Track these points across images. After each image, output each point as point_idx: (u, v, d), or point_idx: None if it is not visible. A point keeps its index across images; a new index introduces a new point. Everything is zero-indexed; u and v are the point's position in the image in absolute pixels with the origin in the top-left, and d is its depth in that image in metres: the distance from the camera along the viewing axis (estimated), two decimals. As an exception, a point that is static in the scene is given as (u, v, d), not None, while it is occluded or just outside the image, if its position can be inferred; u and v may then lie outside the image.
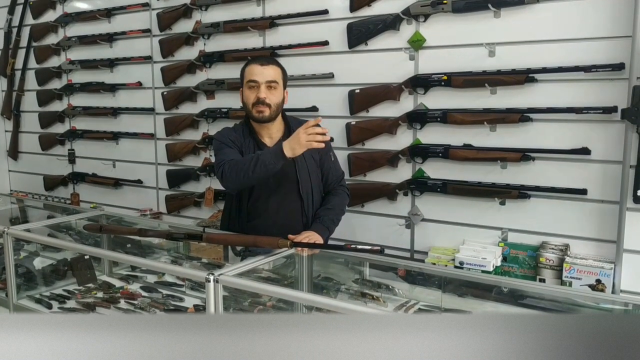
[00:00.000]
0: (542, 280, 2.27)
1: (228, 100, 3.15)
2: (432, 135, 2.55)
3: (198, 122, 3.26)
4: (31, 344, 0.30)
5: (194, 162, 3.33)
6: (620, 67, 2.09)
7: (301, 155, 2.03)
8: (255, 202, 2.19)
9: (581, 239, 2.28)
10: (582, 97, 2.20)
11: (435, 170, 2.56)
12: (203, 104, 3.24)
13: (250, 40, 3.02)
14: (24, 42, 4.07)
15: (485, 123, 2.39)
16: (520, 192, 2.34)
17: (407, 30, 2.56)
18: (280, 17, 2.88)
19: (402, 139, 2.62)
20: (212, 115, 3.18)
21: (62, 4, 3.82)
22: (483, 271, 2.29)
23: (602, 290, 2.13)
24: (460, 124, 2.45)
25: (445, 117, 2.47)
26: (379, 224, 2.73)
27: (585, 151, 2.20)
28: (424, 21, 2.51)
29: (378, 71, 2.64)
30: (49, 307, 2.33)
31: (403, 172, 2.64)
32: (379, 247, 1.93)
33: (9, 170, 4.39)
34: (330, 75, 2.77)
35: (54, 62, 3.93)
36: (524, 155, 2.31)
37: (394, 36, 2.59)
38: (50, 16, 3.90)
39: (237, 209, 2.23)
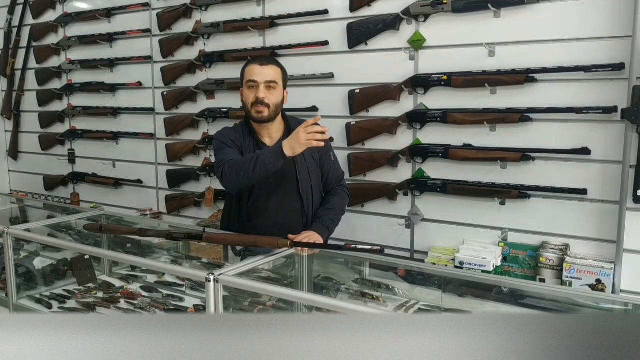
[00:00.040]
0: (542, 280, 2.27)
1: (228, 100, 3.15)
2: (432, 135, 2.55)
3: (198, 122, 3.26)
4: (31, 344, 0.30)
5: (194, 162, 3.33)
6: (620, 67, 2.09)
7: (301, 155, 2.03)
8: (255, 202, 2.19)
9: (581, 239, 2.28)
10: (582, 97, 2.20)
11: (435, 170, 2.56)
12: (203, 104, 3.24)
13: (250, 40, 3.02)
14: (24, 42, 4.07)
15: (485, 123, 2.39)
16: (520, 192, 2.34)
17: (407, 30, 2.56)
18: (280, 17, 2.88)
19: (402, 139, 2.62)
20: (212, 115, 3.18)
21: (62, 4, 3.82)
22: (483, 271, 2.29)
23: (602, 290, 2.13)
24: (460, 124, 2.45)
25: (445, 117, 2.47)
26: (379, 224, 2.73)
27: (585, 151, 2.20)
28: (424, 21, 2.51)
29: (378, 71, 2.64)
30: (49, 307, 2.33)
31: (403, 172, 2.64)
32: (379, 247, 1.93)
33: (9, 170, 4.39)
34: (330, 75, 2.77)
35: (54, 62, 3.93)
36: (524, 155, 2.32)
37: (394, 36, 2.59)
38: (50, 16, 3.91)
39: (237, 209, 2.23)
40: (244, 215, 2.21)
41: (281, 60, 2.42)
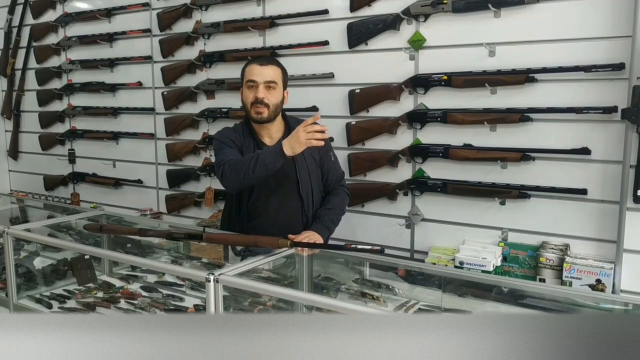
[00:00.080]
0: (542, 280, 2.27)
1: (228, 100, 3.15)
2: (432, 135, 2.55)
3: (198, 122, 3.26)
4: (31, 344, 0.30)
5: (194, 162, 3.33)
6: (620, 67, 2.09)
7: (301, 154, 2.03)
8: (255, 202, 2.19)
9: (581, 239, 2.28)
10: (582, 97, 2.20)
11: (436, 170, 2.56)
12: (203, 103, 3.24)
13: (251, 40, 3.02)
14: (24, 42, 4.07)
15: (485, 123, 2.39)
16: (521, 192, 2.34)
17: (407, 30, 2.56)
18: (280, 17, 2.88)
19: (402, 139, 2.62)
20: (212, 115, 3.18)
21: (62, 3, 3.82)
22: (483, 271, 2.29)
23: (602, 290, 2.13)
24: (460, 123, 2.45)
25: (446, 117, 2.47)
26: (379, 224, 2.73)
27: (585, 151, 2.20)
28: (424, 21, 2.51)
29: (378, 71, 2.64)
30: (49, 307, 2.33)
31: (403, 172, 2.64)
32: (379, 247, 1.93)
33: (9, 170, 4.39)
34: (331, 75, 2.77)
35: (54, 62, 3.93)
36: (524, 155, 2.32)
37: (394, 36, 2.59)
38: (50, 16, 3.91)
39: (237, 209, 2.23)
40: (244, 215, 2.21)
41: (281, 60, 2.42)
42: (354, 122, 2.72)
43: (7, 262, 2.27)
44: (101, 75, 3.69)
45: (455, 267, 2.35)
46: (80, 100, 3.85)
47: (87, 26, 3.71)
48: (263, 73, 2.12)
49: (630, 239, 2.15)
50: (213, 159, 2.66)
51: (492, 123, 2.38)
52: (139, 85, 3.51)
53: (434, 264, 2.43)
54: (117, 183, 3.69)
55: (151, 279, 2.47)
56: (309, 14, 2.78)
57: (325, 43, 2.76)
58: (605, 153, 2.19)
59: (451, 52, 2.46)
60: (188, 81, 3.28)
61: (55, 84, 3.95)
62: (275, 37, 2.94)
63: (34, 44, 4.02)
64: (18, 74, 4.14)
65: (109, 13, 3.56)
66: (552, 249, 2.29)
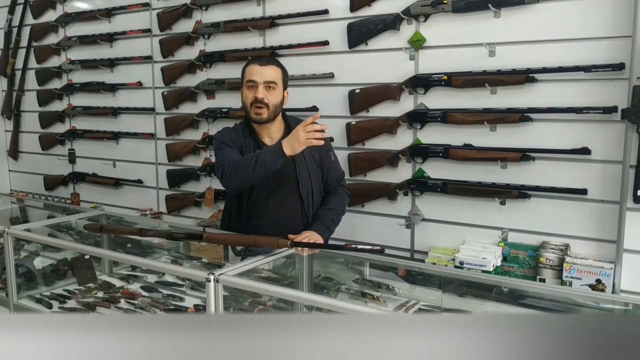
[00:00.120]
0: (542, 280, 2.27)
1: (228, 100, 3.15)
2: (432, 135, 2.55)
3: (198, 122, 3.26)
4: (31, 344, 0.30)
5: (194, 162, 3.33)
6: (620, 67, 2.09)
7: (301, 154, 2.03)
8: (255, 202, 2.19)
9: (581, 239, 2.28)
10: (582, 97, 2.20)
11: (436, 170, 2.56)
12: (203, 103, 3.24)
13: (251, 40, 3.02)
14: (24, 42, 4.07)
15: (485, 123, 2.39)
16: (521, 192, 2.34)
17: (407, 30, 2.56)
18: (280, 17, 2.88)
19: (402, 139, 2.62)
20: (212, 115, 3.18)
21: (63, 3, 3.82)
22: (483, 271, 2.29)
23: (602, 290, 2.13)
24: (460, 123, 2.45)
25: (446, 117, 2.47)
26: (379, 224, 2.73)
27: (585, 151, 2.20)
28: (424, 21, 2.51)
29: (378, 71, 2.64)
30: (49, 306, 2.33)
31: (403, 172, 2.64)
32: (379, 247, 1.93)
33: (9, 170, 4.39)
34: (331, 75, 2.77)
35: (54, 62, 3.93)
36: (524, 155, 2.32)
37: (394, 36, 2.59)
38: (50, 16, 3.91)
39: (237, 209, 2.23)
40: (244, 215, 2.21)
41: (281, 60, 2.42)
42: (354, 122, 2.72)
43: (7, 262, 2.27)
44: (101, 75, 3.69)
45: (455, 267, 2.35)
46: (80, 100, 3.85)
47: (87, 26, 3.71)
48: (263, 73, 2.12)
49: (630, 239, 2.15)
50: (213, 159, 2.66)
51: (492, 123, 2.38)
52: (139, 85, 3.51)
53: (434, 264, 2.43)
54: (117, 183, 3.69)
55: (151, 279, 2.47)
56: (309, 14, 2.78)
57: (325, 43, 2.76)
58: (605, 153, 2.19)
59: (451, 52, 2.46)
60: (188, 81, 3.28)
61: (56, 84, 3.95)
62: (275, 37, 2.94)
63: (34, 44, 4.02)
64: (18, 74, 4.14)
65: (109, 13, 3.56)
66: (552, 249, 2.29)
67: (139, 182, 3.60)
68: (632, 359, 0.29)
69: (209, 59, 3.16)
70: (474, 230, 2.50)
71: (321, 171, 2.27)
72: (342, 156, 2.66)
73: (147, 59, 3.44)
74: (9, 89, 4.20)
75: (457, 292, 1.87)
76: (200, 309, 2.11)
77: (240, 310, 1.93)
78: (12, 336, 0.30)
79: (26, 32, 4.05)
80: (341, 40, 2.72)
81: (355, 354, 0.29)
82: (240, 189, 2.16)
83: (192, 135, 3.30)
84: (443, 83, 2.46)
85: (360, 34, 2.65)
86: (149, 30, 3.40)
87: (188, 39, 3.22)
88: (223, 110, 3.15)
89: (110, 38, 3.57)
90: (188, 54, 3.26)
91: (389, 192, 2.67)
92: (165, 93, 3.36)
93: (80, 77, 3.81)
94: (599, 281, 2.15)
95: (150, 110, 3.48)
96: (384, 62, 2.62)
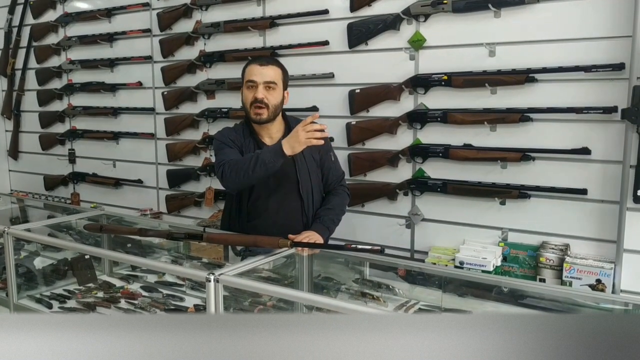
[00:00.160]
0: (542, 280, 2.27)
1: (228, 100, 3.15)
2: (432, 135, 2.55)
3: (198, 122, 3.26)
4: (31, 344, 0.30)
5: (194, 162, 3.33)
6: (620, 67, 2.09)
7: (301, 154, 2.03)
8: (255, 202, 2.19)
9: (581, 239, 2.28)
10: (582, 97, 2.20)
11: (436, 170, 2.56)
12: (203, 103, 3.24)
13: (251, 40, 3.02)
14: (24, 41, 4.07)
15: (485, 123, 2.39)
16: (521, 192, 2.34)
17: (407, 30, 2.56)
18: (280, 17, 2.88)
19: (403, 139, 2.62)
20: (212, 115, 3.19)
21: (63, 3, 3.82)
22: (483, 271, 2.29)
23: (602, 290, 2.13)
24: (460, 123, 2.45)
25: (446, 117, 2.47)
26: (379, 224, 2.73)
27: (585, 151, 2.20)
28: (424, 21, 2.51)
29: (378, 71, 2.64)
30: (50, 306, 2.33)
31: (403, 172, 2.64)
32: (379, 247, 1.93)
33: (10, 170, 4.39)
34: (331, 75, 2.77)
35: (54, 61, 3.94)
36: (524, 155, 2.32)
37: (394, 36, 2.59)
38: (50, 16, 3.91)
39: (237, 209, 2.23)
40: (244, 215, 2.21)
41: (281, 60, 2.42)
42: (354, 122, 2.72)
43: (8, 262, 2.27)
44: (101, 75, 3.69)
45: (456, 267, 2.35)
46: (80, 100, 3.85)
47: (87, 26, 3.71)
48: (263, 73, 2.12)
49: (630, 239, 2.15)
50: (213, 159, 2.66)
51: (492, 123, 2.38)
52: (139, 85, 3.51)
53: (434, 264, 2.43)
54: (117, 183, 3.69)
55: (151, 278, 2.47)
56: (309, 14, 2.78)
57: (326, 43, 2.76)
58: (605, 153, 2.19)
59: (451, 52, 2.46)
60: (188, 81, 3.28)
61: (56, 84, 3.95)
62: (275, 37, 2.94)
63: (34, 43, 4.02)
64: (18, 73, 4.14)
65: (109, 13, 3.56)
66: (552, 249, 2.29)
67: (139, 182, 3.60)
68: (632, 359, 0.29)
69: (209, 59, 3.16)
70: (474, 230, 2.50)
71: (321, 171, 2.27)
72: (342, 156, 2.66)
73: (147, 59, 3.44)
74: (9, 89, 4.20)
75: (457, 292, 1.87)
76: (200, 309, 2.11)
77: (240, 310, 1.93)
78: (12, 336, 0.30)
79: (26, 32, 4.05)
80: (341, 40, 2.72)
81: (355, 354, 0.29)
82: (240, 189, 2.16)
83: (192, 135, 3.30)
84: (443, 83, 2.46)
85: (360, 34, 2.65)
86: (149, 30, 3.40)
87: (188, 39, 3.22)
88: (223, 110, 3.15)
89: (110, 38, 3.57)
90: (188, 54, 3.26)
91: (389, 192, 2.67)
92: (165, 93, 3.36)
93: (80, 77, 3.81)
94: (599, 281, 2.15)
95: (150, 110, 3.48)
96: (384, 62, 2.62)
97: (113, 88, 3.62)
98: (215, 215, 3.16)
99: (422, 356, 0.29)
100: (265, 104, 2.11)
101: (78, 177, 3.91)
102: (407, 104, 2.60)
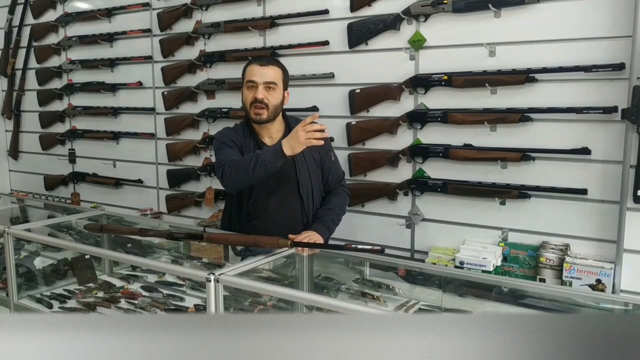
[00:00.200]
0: (543, 280, 2.27)
1: (228, 100, 3.15)
2: (432, 135, 2.55)
3: (198, 121, 3.26)
4: (31, 344, 0.30)
5: (194, 161, 3.33)
6: (620, 67, 2.09)
7: (301, 154, 2.03)
8: (256, 202, 2.19)
9: (581, 239, 2.28)
10: (583, 97, 2.20)
11: (436, 170, 2.56)
12: (203, 103, 3.24)
13: (251, 40, 3.02)
14: (24, 41, 4.07)
15: (485, 123, 2.39)
16: (521, 192, 2.34)
17: (407, 30, 2.56)
18: (280, 17, 2.88)
19: (403, 139, 2.62)
20: (212, 115, 3.19)
21: (63, 3, 3.82)
22: (483, 271, 2.29)
23: (602, 290, 2.13)
24: (460, 123, 2.45)
25: (446, 117, 2.47)
26: (379, 224, 2.73)
27: (585, 151, 2.20)
28: (425, 21, 2.51)
29: (378, 71, 2.64)
30: (50, 306, 2.33)
31: (403, 172, 2.64)
32: (379, 247, 1.93)
33: (10, 170, 4.39)
34: (331, 75, 2.77)
35: (54, 61, 3.94)
36: (524, 155, 2.32)
37: (395, 36, 2.59)
38: (50, 16, 3.91)
39: (237, 209, 2.23)
40: (244, 215, 2.21)
41: (281, 60, 2.42)
42: (354, 122, 2.72)
43: (8, 262, 2.27)
44: (101, 75, 3.69)
45: (456, 267, 2.35)
46: (80, 100, 3.85)
47: (88, 26, 3.71)
48: (263, 73, 2.12)
49: (630, 239, 2.15)
50: (213, 159, 2.66)
51: (492, 123, 2.38)
52: (139, 85, 3.51)
53: (434, 264, 2.43)
54: (117, 183, 3.69)
55: (151, 278, 2.47)
56: (309, 14, 2.78)
57: (326, 43, 2.76)
58: (605, 153, 2.19)
59: (451, 52, 2.46)
60: (188, 81, 3.28)
61: (56, 84, 3.95)
62: (275, 37, 2.94)
63: (34, 43, 4.02)
64: (18, 73, 4.14)
65: (109, 13, 3.56)
66: (552, 249, 2.29)
67: (139, 182, 3.60)
68: (632, 359, 0.29)
69: (209, 59, 3.16)
70: (474, 230, 2.50)
71: (321, 171, 2.27)
72: (342, 156, 2.66)
73: (147, 59, 3.44)
74: (9, 88, 4.20)
75: (457, 292, 1.87)
76: (200, 309, 2.11)
77: (241, 310, 1.93)
78: (12, 336, 0.30)
79: (26, 32, 4.05)
80: (341, 40, 2.72)
81: (355, 354, 0.29)
82: (240, 189, 2.16)
83: (192, 135, 3.30)
84: (443, 83, 2.46)
85: (360, 34, 2.65)
86: (149, 30, 3.40)
87: (188, 39, 3.22)
88: (223, 110, 3.15)
89: (110, 38, 3.57)
90: (188, 54, 3.26)
91: (389, 192, 2.67)
92: (166, 93, 3.36)
93: (80, 77, 3.81)
94: (599, 281, 2.15)
95: (151, 110, 3.48)
96: (384, 62, 2.62)
97: (113, 88, 3.62)
98: (215, 215, 3.16)
99: (422, 356, 0.29)
100: (265, 104, 2.11)
101: (78, 177, 3.91)
102: (407, 104, 2.60)
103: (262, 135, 2.21)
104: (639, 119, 2.05)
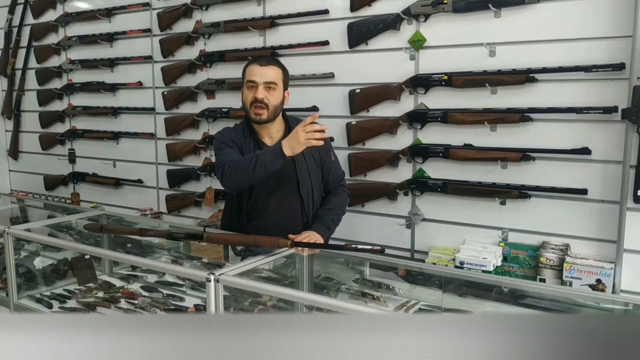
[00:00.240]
0: (543, 280, 2.27)
1: (228, 100, 3.15)
2: (432, 135, 2.55)
3: (198, 121, 3.26)
4: (31, 344, 0.30)
5: (194, 161, 3.33)
6: (620, 67, 2.09)
7: (301, 154, 2.03)
8: (256, 202, 2.19)
9: (581, 239, 2.28)
10: (583, 97, 2.20)
11: (436, 170, 2.56)
12: (203, 103, 3.24)
13: (251, 40, 3.02)
14: (24, 41, 4.07)
15: (485, 123, 2.39)
16: (521, 192, 2.34)
17: (407, 30, 2.56)
18: (280, 17, 2.88)
19: (403, 139, 2.62)
20: (212, 115, 3.19)
21: (63, 3, 3.82)
22: (483, 271, 2.29)
23: (603, 290, 2.13)
24: (460, 123, 2.45)
25: (446, 117, 2.47)
26: (380, 224, 2.73)
27: (585, 151, 2.20)
28: (425, 21, 2.51)
29: (378, 71, 2.64)
30: (50, 306, 2.33)
31: (403, 172, 2.64)
32: (379, 247, 1.93)
33: (10, 170, 4.39)
34: (331, 75, 2.77)
35: (54, 61, 3.94)
36: (524, 155, 2.31)
37: (395, 36, 2.59)
38: (50, 16, 3.91)
39: (238, 209, 2.23)
40: (244, 215, 2.21)
41: (281, 60, 2.42)
42: (354, 122, 2.72)
43: (8, 262, 2.27)
44: (101, 75, 3.69)
45: (456, 267, 2.35)
46: (80, 100, 3.85)
47: (88, 26, 3.71)
48: (263, 73, 2.12)
49: (630, 239, 2.15)
50: (213, 159, 2.66)
51: (493, 123, 2.38)
52: (139, 85, 3.51)
53: (434, 264, 2.43)
54: (117, 183, 3.69)
55: (151, 278, 2.47)
56: (309, 14, 2.78)
57: (326, 43, 2.76)
58: (605, 153, 2.19)
59: (451, 52, 2.46)
60: (188, 81, 3.28)
61: (56, 84, 3.95)
62: (275, 37, 2.94)
63: (34, 43, 4.02)
64: (18, 73, 4.14)
65: (109, 13, 3.56)
66: (553, 249, 2.29)
67: (139, 182, 3.60)
68: (632, 359, 0.29)
69: (209, 59, 3.16)
70: (474, 230, 2.50)
71: (321, 171, 2.27)
72: (342, 156, 2.66)
73: (147, 58, 3.44)
74: (9, 88, 4.20)
75: (457, 292, 1.87)
76: (200, 309, 2.11)
77: (241, 310, 1.93)
78: (12, 336, 0.30)
79: (26, 31, 4.05)
80: (341, 40, 2.72)
81: (355, 354, 0.29)
82: (240, 189, 2.16)
83: (192, 135, 3.30)
84: (443, 83, 2.46)
85: (360, 34, 2.65)
86: (149, 30, 3.40)
87: (188, 39, 3.22)
88: (223, 110, 3.15)
89: (110, 38, 3.57)
90: (188, 53, 3.26)
91: (389, 192, 2.67)
92: (166, 93, 3.36)
93: (80, 77, 3.81)
94: (599, 281, 2.15)
95: (151, 110, 3.48)
96: (384, 62, 2.62)
97: (113, 88, 3.62)
98: (215, 215, 3.16)
99: (422, 356, 0.29)
100: (265, 104, 2.11)
101: (78, 177, 3.91)
102: (407, 104, 2.60)
103: (262, 135, 2.21)
104: (639, 119, 2.05)
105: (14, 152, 4.28)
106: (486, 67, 2.38)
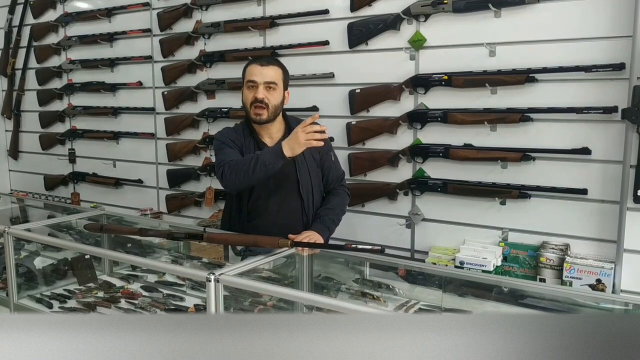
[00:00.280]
0: (543, 280, 2.27)
1: (228, 100, 3.15)
2: (432, 135, 2.55)
3: (198, 121, 3.26)
4: (31, 344, 0.30)
5: (194, 161, 3.33)
6: (620, 67, 2.09)
7: (301, 154, 2.03)
8: (256, 202, 2.19)
9: (581, 239, 2.28)
10: (583, 97, 2.20)
11: (436, 170, 2.56)
12: (203, 103, 3.24)
13: (251, 40, 3.02)
14: (24, 41, 4.07)
15: (485, 123, 2.39)
16: (521, 192, 2.34)
17: (407, 30, 2.56)
18: (280, 16, 2.88)
19: (403, 139, 2.62)
20: (212, 115, 3.19)
21: (63, 3, 3.82)
22: (483, 271, 2.29)
23: (603, 290, 2.13)
24: (460, 123, 2.45)
25: (446, 116, 2.47)
26: (380, 224, 2.73)
27: (585, 151, 2.20)
28: (425, 21, 2.51)
29: (378, 71, 2.64)
30: (50, 306, 2.33)
31: (403, 172, 2.64)
32: (379, 247, 1.93)
33: (10, 170, 4.39)
34: (331, 75, 2.77)
35: (54, 61, 3.94)
36: (524, 155, 2.32)
37: (395, 36, 2.59)
38: (50, 16, 3.91)
39: (238, 209, 2.23)
40: (244, 215, 2.21)
41: (282, 60, 2.42)
42: (354, 122, 2.72)
43: (8, 262, 2.27)
44: (101, 75, 3.69)
45: (456, 267, 2.35)
46: (80, 100, 3.85)
47: (88, 26, 3.71)
48: (263, 73, 2.12)
49: (630, 239, 2.15)
50: (213, 159, 2.66)
51: (493, 123, 2.38)
52: (139, 85, 3.51)
53: (434, 263, 2.43)
54: (117, 183, 3.69)
55: (151, 278, 2.47)
56: (310, 14, 2.78)
57: (326, 43, 2.76)
58: (605, 153, 2.19)
59: (451, 52, 2.46)
60: (188, 81, 3.28)
61: (56, 84, 3.95)
62: (275, 37, 2.94)
63: (34, 43, 4.02)
64: (18, 73, 4.14)
65: (109, 13, 3.56)
66: (553, 248, 2.29)
67: (139, 182, 3.60)
68: (632, 359, 0.29)
69: (209, 59, 3.16)
70: (474, 230, 2.50)
71: (321, 171, 2.27)
72: (342, 156, 2.66)
73: (147, 58, 3.44)
74: (9, 88, 4.20)
75: (457, 292, 1.87)
76: (200, 308, 2.11)
77: (241, 310, 1.93)
78: (12, 336, 0.30)
79: (26, 31, 4.05)
80: (341, 40, 2.72)
81: (355, 354, 0.29)
82: (240, 189, 2.16)
83: (193, 135, 3.30)
84: (443, 83, 2.46)
85: (360, 34, 2.65)
86: (149, 30, 3.40)
87: (188, 39, 3.22)
88: (223, 110, 3.15)
89: (110, 38, 3.57)
90: (188, 53, 3.26)
91: (389, 192, 2.67)
92: (166, 93, 3.36)
93: (80, 76, 3.81)
94: (599, 281, 2.15)
95: (151, 110, 3.48)
96: (384, 62, 2.62)
97: (113, 88, 3.62)
98: (215, 215, 3.16)
99: (422, 356, 0.29)
100: (265, 104, 2.11)
101: (78, 177, 3.91)
102: (407, 104, 2.60)
103: (262, 135, 2.21)
104: (639, 119, 2.05)
105: (14, 152, 4.28)
106: (486, 67, 2.38)
